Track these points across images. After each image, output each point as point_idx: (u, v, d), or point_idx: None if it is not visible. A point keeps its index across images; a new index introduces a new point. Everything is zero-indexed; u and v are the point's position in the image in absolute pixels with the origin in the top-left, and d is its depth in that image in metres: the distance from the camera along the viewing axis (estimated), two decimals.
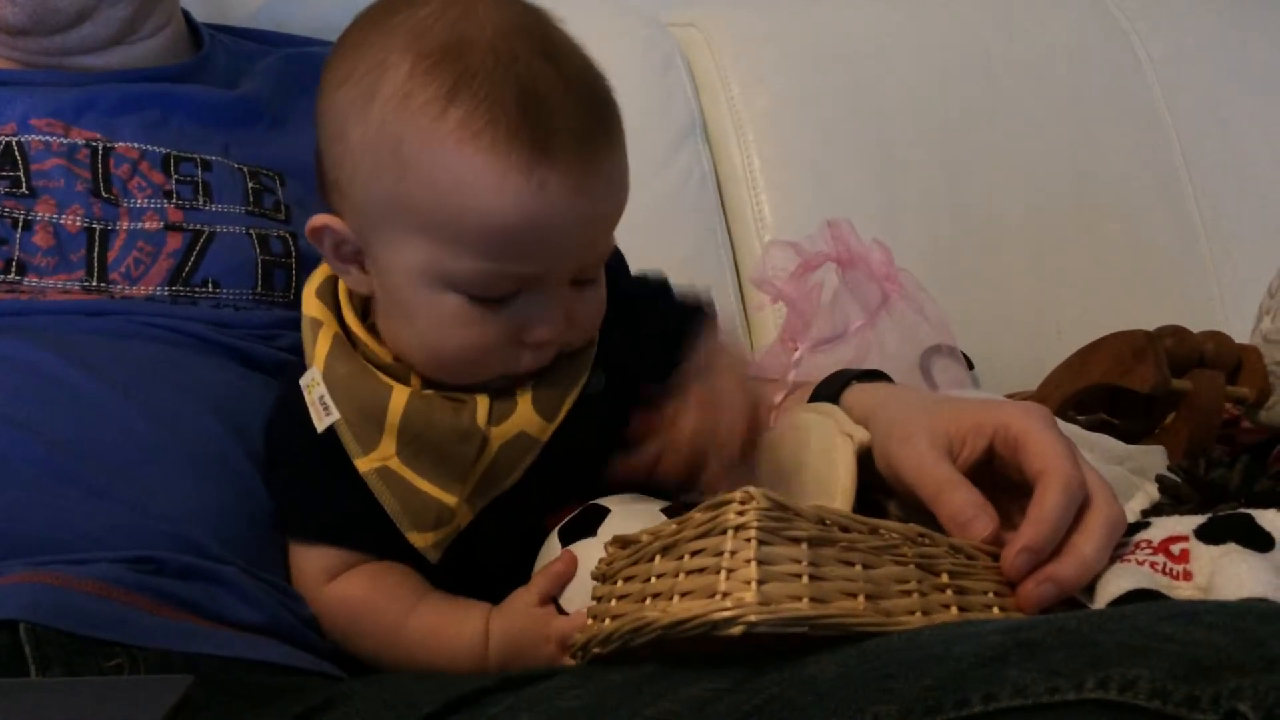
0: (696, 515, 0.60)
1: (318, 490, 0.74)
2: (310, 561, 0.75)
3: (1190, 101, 1.36)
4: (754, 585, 0.55)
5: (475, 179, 0.66)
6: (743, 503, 0.58)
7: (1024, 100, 1.32)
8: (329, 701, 0.65)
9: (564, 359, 0.74)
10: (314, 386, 0.73)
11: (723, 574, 0.56)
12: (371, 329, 0.75)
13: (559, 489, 0.76)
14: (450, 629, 0.73)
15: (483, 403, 0.72)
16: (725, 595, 0.55)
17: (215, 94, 0.91)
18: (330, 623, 0.74)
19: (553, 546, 0.73)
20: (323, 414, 0.72)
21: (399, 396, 0.71)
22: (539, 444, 0.73)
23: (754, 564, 0.56)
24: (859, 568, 0.58)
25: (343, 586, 0.74)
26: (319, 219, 0.73)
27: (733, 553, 0.57)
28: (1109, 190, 1.31)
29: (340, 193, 0.72)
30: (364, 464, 0.72)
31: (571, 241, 0.69)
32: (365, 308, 0.76)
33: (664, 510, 0.72)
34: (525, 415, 0.73)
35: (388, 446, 0.71)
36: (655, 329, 0.81)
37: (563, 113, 0.67)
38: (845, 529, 0.59)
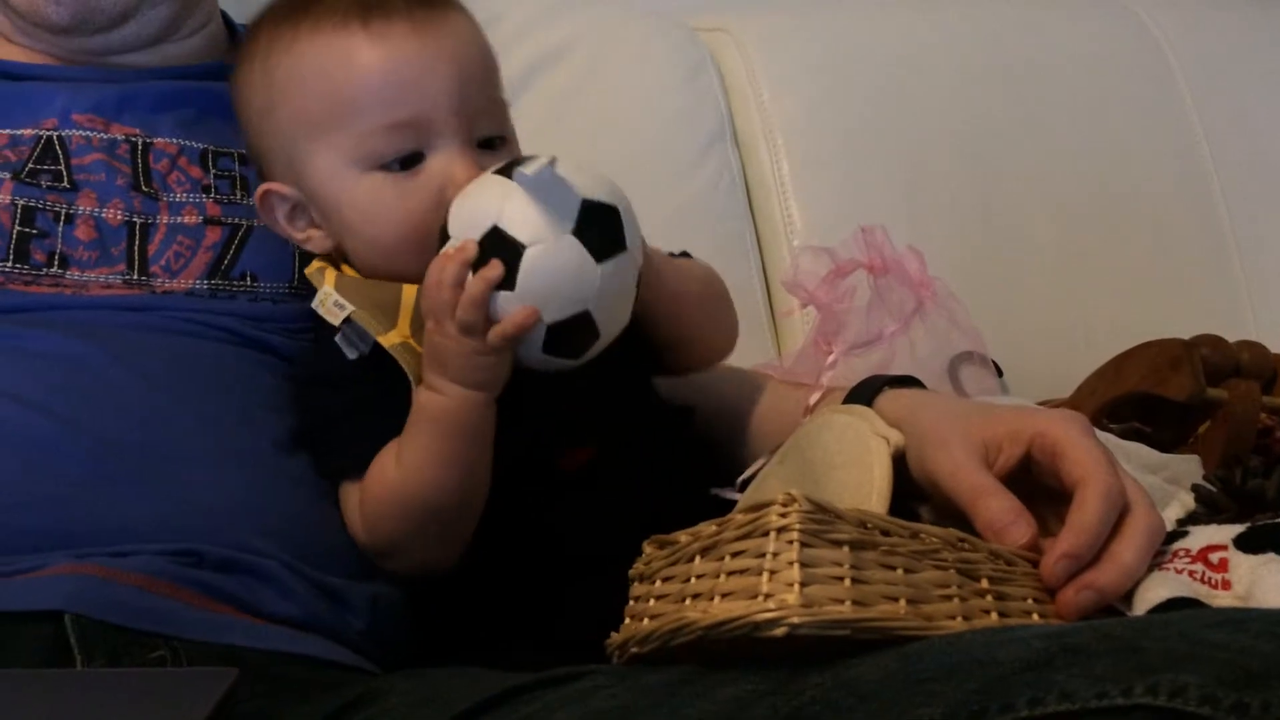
0: (738, 517, 0.60)
1: (355, 427, 0.76)
2: (357, 496, 0.76)
3: (1220, 109, 1.36)
4: (797, 587, 0.55)
5: (330, 58, 0.76)
6: (785, 505, 0.58)
7: (1053, 107, 1.32)
8: (366, 697, 0.66)
9: None
10: (326, 297, 0.77)
11: (765, 575, 0.56)
12: None
13: (558, 406, 0.76)
14: (412, 417, 0.73)
15: None
16: (768, 597, 0.56)
17: None
18: (376, 526, 0.75)
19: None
20: (338, 312, 0.76)
21: (409, 290, 0.76)
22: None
23: (797, 566, 0.56)
24: (900, 572, 0.58)
25: (364, 491, 0.75)
26: (262, 186, 0.80)
27: (775, 554, 0.57)
28: (1138, 198, 1.31)
29: (263, 157, 0.80)
30: (387, 339, 0.75)
31: (430, 82, 0.76)
32: None
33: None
34: None
35: (404, 326, 0.75)
36: None
37: None
38: (886, 533, 0.59)
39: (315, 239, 0.80)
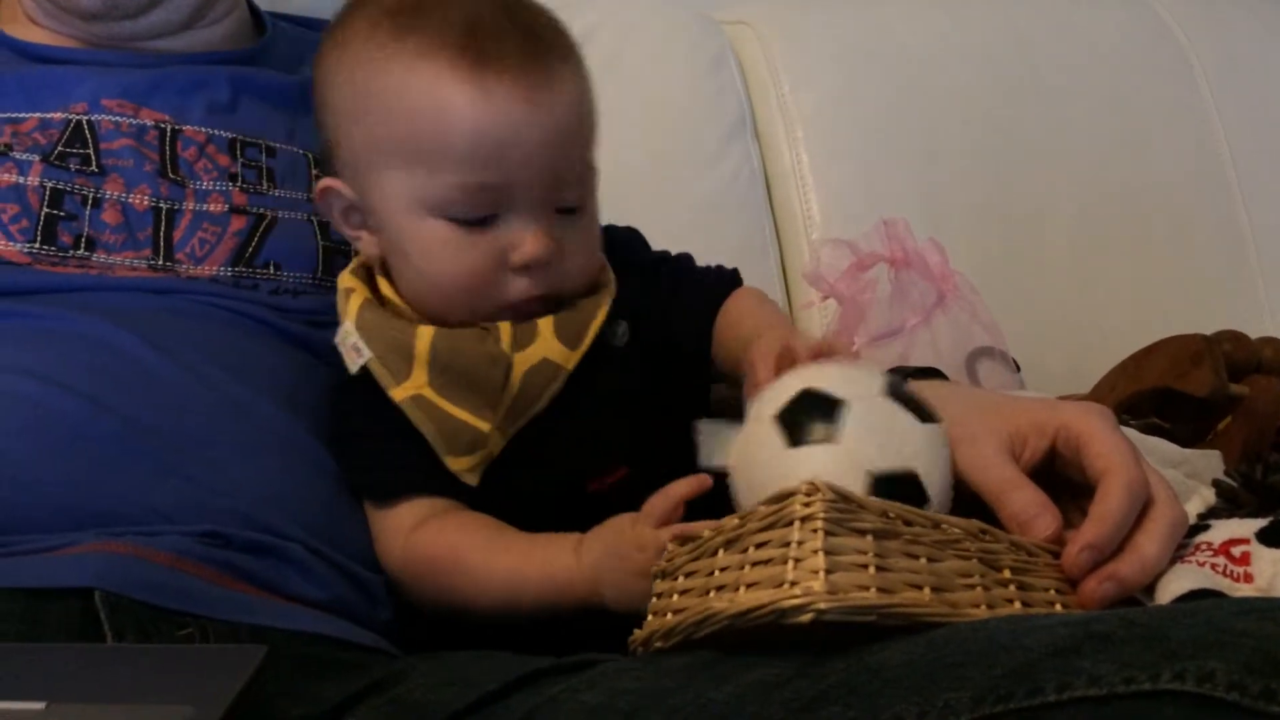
0: (761, 509, 0.60)
1: (384, 450, 0.76)
2: (389, 522, 0.76)
3: (1240, 106, 1.36)
4: (822, 574, 0.55)
5: (428, 95, 0.73)
6: (809, 494, 0.58)
7: (1072, 104, 1.32)
8: (390, 678, 0.66)
9: (579, 297, 0.78)
10: (347, 336, 0.77)
11: (790, 564, 0.56)
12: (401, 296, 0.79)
13: (592, 435, 0.76)
14: (540, 549, 0.72)
15: (505, 329, 0.76)
16: (794, 584, 0.56)
17: (279, 78, 0.92)
18: (417, 579, 0.75)
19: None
20: (355, 357, 0.76)
21: (425, 333, 0.76)
22: (564, 371, 0.76)
23: (821, 554, 0.56)
24: (923, 561, 0.59)
25: (422, 538, 0.75)
26: (324, 181, 0.78)
27: (800, 543, 0.57)
28: (1157, 195, 1.31)
29: (334, 155, 0.78)
30: (399, 393, 0.75)
31: (530, 151, 0.73)
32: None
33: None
34: (547, 342, 0.76)
35: (419, 377, 0.75)
36: (684, 290, 0.83)
37: (507, 36, 0.73)
38: (909, 522, 0.60)
39: (365, 241, 0.79)
